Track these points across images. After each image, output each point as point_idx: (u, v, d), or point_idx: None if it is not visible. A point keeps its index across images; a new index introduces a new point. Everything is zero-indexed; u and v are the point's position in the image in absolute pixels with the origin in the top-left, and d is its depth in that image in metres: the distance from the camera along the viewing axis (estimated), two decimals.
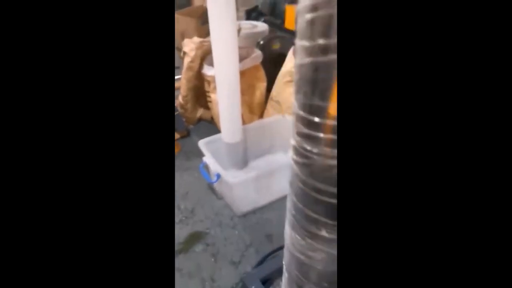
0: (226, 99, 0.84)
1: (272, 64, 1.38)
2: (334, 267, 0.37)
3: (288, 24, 2.18)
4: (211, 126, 1.32)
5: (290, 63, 1.04)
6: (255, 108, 1.21)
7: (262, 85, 1.21)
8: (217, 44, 0.77)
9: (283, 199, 0.99)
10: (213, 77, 1.08)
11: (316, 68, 0.29)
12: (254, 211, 0.93)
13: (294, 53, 0.98)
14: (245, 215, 0.92)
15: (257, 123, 1.02)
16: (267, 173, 0.84)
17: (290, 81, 1.04)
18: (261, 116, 1.25)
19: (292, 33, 2.06)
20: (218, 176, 0.84)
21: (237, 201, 0.89)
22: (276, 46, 1.41)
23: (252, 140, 1.02)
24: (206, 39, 1.18)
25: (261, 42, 1.41)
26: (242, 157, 1.00)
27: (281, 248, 0.80)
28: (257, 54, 1.15)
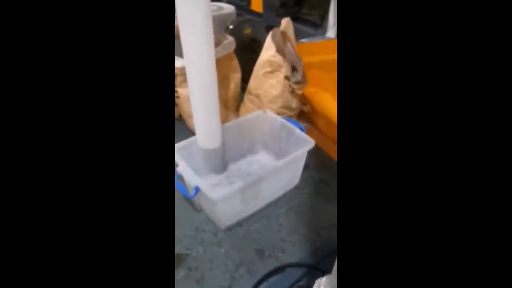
0: (201, 98, 0.70)
1: (245, 51, 1.24)
2: None
3: (255, 6, 2.03)
4: (180, 125, 1.16)
5: (269, 51, 0.92)
6: (230, 102, 1.08)
7: (237, 76, 1.08)
8: (186, 29, 0.62)
9: (270, 205, 0.89)
10: (181, 69, 0.93)
11: None
12: (240, 223, 0.82)
13: (273, 38, 0.83)
14: (230, 229, 0.81)
15: (236, 121, 0.90)
16: (253, 181, 0.73)
17: (271, 72, 0.92)
18: (236, 110, 1.13)
19: (260, 16, 1.92)
20: (197, 189, 0.71)
21: (221, 216, 0.77)
22: (248, 30, 1.27)
23: (231, 140, 0.90)
24: None
25: (230, 27, 1.26)
26: (221, 161, 0.88)
27: (277, 269, 0.71)
28: (230, 40, 1.01)
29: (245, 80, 1.15)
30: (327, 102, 1.18)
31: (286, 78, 0.91)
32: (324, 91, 1.22)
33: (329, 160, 1.00)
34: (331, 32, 1.55)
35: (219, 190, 0.69)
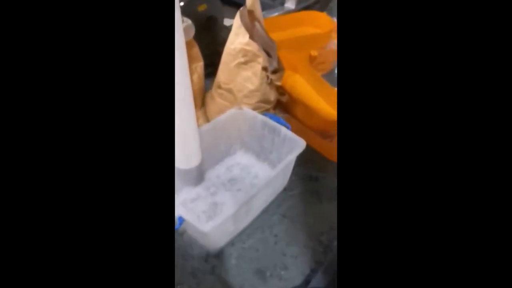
0: (175, 110, 0.56)
1: (202, 32, 1.07)
2: None
3: None
4: None
5: (240, 38, 0.77)
6: (195, 98, 0.93)
7: (199, 65, 0.92)
8: None
9: (260, 214, 0.81)
10: None
11: None
12: (231, 241, 0.73)
13: (242, 20, 0.70)
14: (222, 250, 0.71)
15: (211, 124, 0.77)
16: (246, 200, 0.63)
17: (245, 63, 0.79)
18: (202, 105, 0.99)
19: None
20: (181, 220, 0.60)
21: (211, 240, 0.67)
22: (203, 6, 1.09)
23: (207, 146, 0.77)
24: None
25: (181, 4, 1.07)
26: (199, 174, 0.75)
27: None
28: (187, 24, 0.84)
29: (206, 65, 0.99)
30: (300, 86, 1.09)
31: (264, 69, 0.78)
32: (294, 73, 1.12)
33: (313, 152, 0.94)
34: (290, 2, 1.42)
35: (211, 221, 0.58)
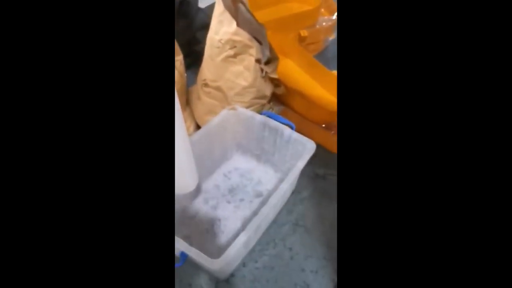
0: None
1: (176, 19, 0.93)
2: None
3: None
4: None
5: (225, 27, 0.65)
6: (178, 97, 0.81)
7: (179, 60, 0.79)
8: None
9: (270, 225, 0.73)
10: None
11: None
12: (243, 262, 0.65)
13: (224, 2, 0.56)
14: (233, 274, 0.63)
15: (203, 130, 0.66)
16: (258, 223, 0.54)
17: (234, 56, 0.67)
18: (187, 105, 0.87)
19: None
20: (184, 256, 0.51)
21: (221, 269, 0.59)
22: None
23: (201, 154, 0.67)
24: None
25: None
26: (196, 191, 0.66)
27: None
28: None
29: (185, 56, 0.87)
30: (294, 73, 0.98)
31: (257, 61, 0.67)
32: (284, 58, 1.01)
33: (316, 146, 0.85)
34: None
35: (220, 257, 0.49)
